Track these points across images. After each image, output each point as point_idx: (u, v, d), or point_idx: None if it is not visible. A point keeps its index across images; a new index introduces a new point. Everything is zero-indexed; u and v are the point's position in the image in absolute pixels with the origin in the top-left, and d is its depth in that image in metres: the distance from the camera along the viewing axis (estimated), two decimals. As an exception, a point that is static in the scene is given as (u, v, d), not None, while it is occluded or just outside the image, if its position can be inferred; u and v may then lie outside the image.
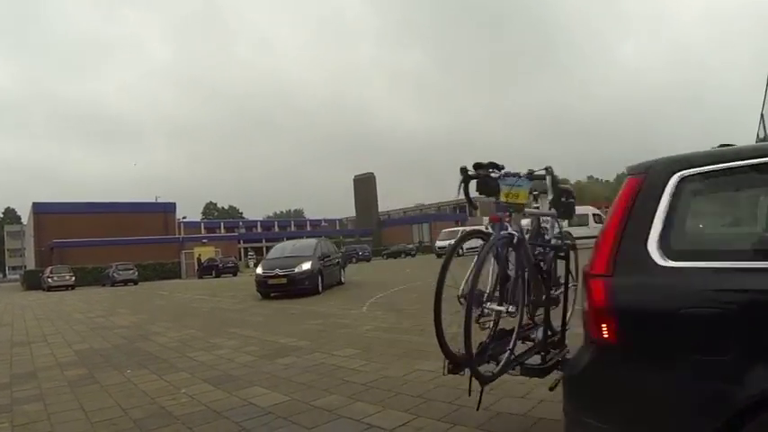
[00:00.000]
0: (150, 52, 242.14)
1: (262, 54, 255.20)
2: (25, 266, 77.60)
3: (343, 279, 21.86)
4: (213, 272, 46.55)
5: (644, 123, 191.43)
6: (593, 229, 38.85)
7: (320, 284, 18.00)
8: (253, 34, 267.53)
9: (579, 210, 31.81)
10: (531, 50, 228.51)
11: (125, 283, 40.84)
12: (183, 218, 67.55)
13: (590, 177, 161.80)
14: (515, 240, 3.60)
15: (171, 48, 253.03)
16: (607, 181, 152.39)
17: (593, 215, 40.11)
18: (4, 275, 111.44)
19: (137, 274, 42.42)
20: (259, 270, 18.53)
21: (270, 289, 17.58)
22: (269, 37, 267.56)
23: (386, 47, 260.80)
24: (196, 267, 49.78)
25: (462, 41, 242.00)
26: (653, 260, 2.47)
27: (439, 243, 49.11)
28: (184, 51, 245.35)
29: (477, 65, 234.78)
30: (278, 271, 17.40)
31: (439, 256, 45.31)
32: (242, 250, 71.83)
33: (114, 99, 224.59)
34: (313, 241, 20.67)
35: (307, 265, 17.50)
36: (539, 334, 3.88)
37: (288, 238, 43.27)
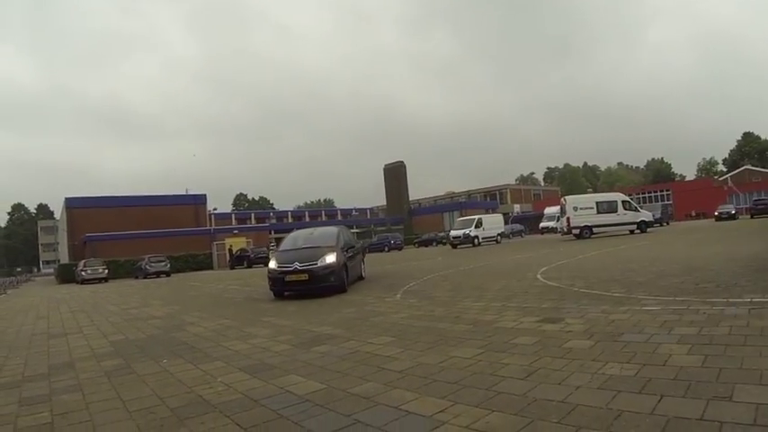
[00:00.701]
0: (173, 46, 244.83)
1: (283, 44, 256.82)
2: (59, 260, 78.82)
3: (364, 274, 18.98)
4: (245, 262, 46.85)
5: (675, 108, 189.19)
6: (622, 215, 38.28)
7: (346, 280, 14.85)
8: (275, 23, 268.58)
9: (607, 197, 31.64)
10: (558, 34, 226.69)
11: (157, 275, 41.30)
12: (214, 209, 67.92)
13: (620, 164, 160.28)
14: None
15: (193, 41, 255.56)
16: (637, 167, 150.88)
17: (623, 202, 39.54)
18: (39, 270, 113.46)
19: (169, 265, 42.80)
20: (273, 264, 14.89)
21: (287, 287, 14.48)
22: (290, 25, 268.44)
23: (408, 32, 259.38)
24: (227, 258, 50.08)
25: (486, 26, 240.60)
26: None
27: (453, 233, 48.29)
28: (207, 43, 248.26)
29: (504, 49, 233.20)
30: (297, 265, 14.03)
31: (454, 246, 46.21)
32: (273, 240, 72.39)
33: (141, 94, 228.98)
34: (334, 229, 17.14)
35: (331, 258, 14.20)
36: None
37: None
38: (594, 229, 38.59)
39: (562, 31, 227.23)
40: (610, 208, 38.93)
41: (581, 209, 39.29)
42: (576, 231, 38.77)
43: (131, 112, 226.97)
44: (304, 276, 13.88)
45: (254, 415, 4.58)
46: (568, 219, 39.35)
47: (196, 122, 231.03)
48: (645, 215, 40.16)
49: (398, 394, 4.83)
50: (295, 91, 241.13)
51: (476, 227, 47.16)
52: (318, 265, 13.96)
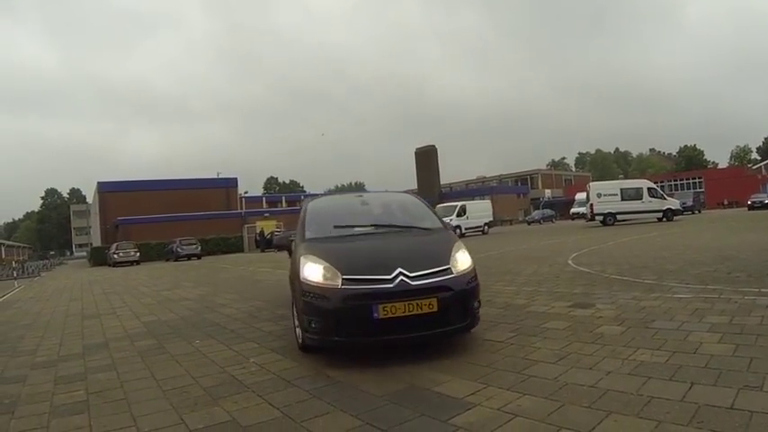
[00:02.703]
0: (195, 26, 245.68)
1: (307, 23, 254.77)
2: (91, 244, 80.00)
3: None
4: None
5: (709, 93, 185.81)
6: (647, 203, 37.51)
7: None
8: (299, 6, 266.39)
9: (632, 183, 31.09)
10: (591, 14, 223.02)
11: (188, 257, 41.83)
12: (245, 193, 68.24)
13: (652, 150, 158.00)
14: None
15: (215, 20, 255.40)
16: (670, 153, 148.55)
17: (648, 189, 38.70)
18: (72, 253, 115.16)
19: (200, 248, 43.24)
20: (316, 274, 5.75)
21: (380, 332, 5.35)
22: (312, 3, 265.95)
23: (436, 10, 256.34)
24: (257, 241, 49.53)
25: (517, 2, 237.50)
26: None
27: None
28: (230, 25, 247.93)
29: (536, 28, 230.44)
30: (403, 278, 5.48)
31: None
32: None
33: (167, 78, 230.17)
34: (410, 198, 8.81)
35: (464, 257, 6.31)
36: None
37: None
38: (619, 217, 38.06)
39: (596, 8, 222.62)
40: (635, 195, 38.13)
41: (605, 195, 38.71)
42: (600, 218, 38.33)
43: (157, 96, 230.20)
44: (429, 304, 5.40)
45: (287, 395, 4.65)
46: (591, 205, 38.92)
47: (225, 106, 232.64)
48: (671, 203, 39.12)
49: (431, 376, 4.86)
50: (322, 73, 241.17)
51: (458, 215, 42.09)
52: (454, 274, 5.84)
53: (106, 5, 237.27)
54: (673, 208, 38.43)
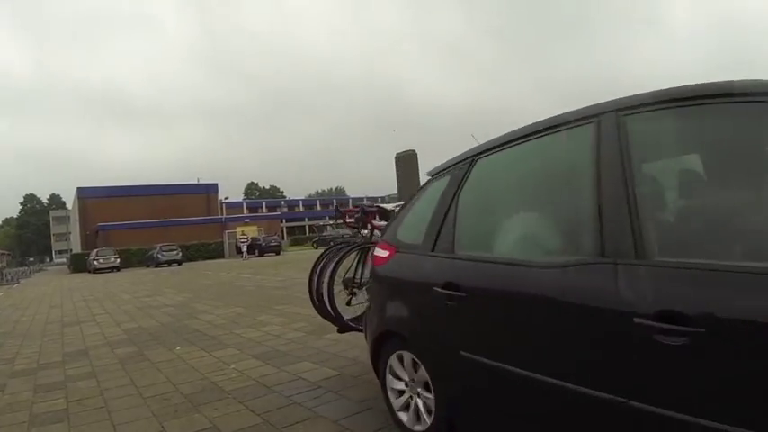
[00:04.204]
0: (169, 28, 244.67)
1: (284, 27, 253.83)
2: (71, 250, 79.28)
3: None
4: (256, 251, 46.91)
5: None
6: None
7: None
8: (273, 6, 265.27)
9: None
10: (573, 13, 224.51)
11: (169, 263, 41.63)
12: (226, 198, 68.02)
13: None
14: None
15: (189, 21, 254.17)
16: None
17: None
18: (51, 259, 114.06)
19: (181, 254, 43.09)
20: None
21: None
22: (289, 7, 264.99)
23: (416, 12, 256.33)
24: (241, 250, 48.64)
25: (495, 5, 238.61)
26: None
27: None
28: (206, 27, 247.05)
29: (518, 31, 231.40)
30: None
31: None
32: (284, 229, 72.69)
33: (147, 82, 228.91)
34: None
35: None
36: None
37: (330, 218, 39.97)
38: None
39: (574, 8, 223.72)
40: None
41: None
42: None
43: (134, 100, 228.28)
44: None
45: (267, 401, 4.65)
46: None
47: (206, 110, 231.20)
48: None
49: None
50: (301, 78, 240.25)
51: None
52: None
53: (76, 6, 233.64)
54: None
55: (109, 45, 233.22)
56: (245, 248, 46.23)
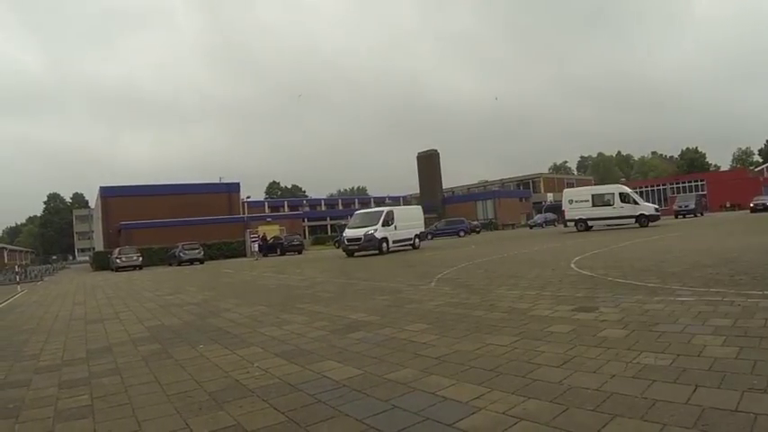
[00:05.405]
0: (184, 26, 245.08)
1: (300, 23, 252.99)
2: (94, 248, 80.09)
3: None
4: (278, 250, 47.06)
5: (711, 95, 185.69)
6: (619, 208, 37.02)
7: None
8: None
9: (604, 189, 30.72)
10: (591, 14, 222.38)
11: (191, 262, 41.96)
12: (248, 197, 68.25)
13: (654, 153, 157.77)
14: None
15: (203, 20, 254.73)
16: (672, 156, 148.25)
17: (620, 194, 37.98)
18: (74, 257, 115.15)
19: (202, 253, 43.49)
20: None
21: None
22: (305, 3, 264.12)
23: (436, 12, 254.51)
24: (257, 248, 47.13)
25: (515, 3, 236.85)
26: None
27: (349, 233, 32.71)
28: (220, 24, 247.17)
29: (538, 31, 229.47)
30: None
31: (350, 254, 31.98)
32: (306, 228, 72.93)
33: (162, 81, 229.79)
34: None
35: None
36: None
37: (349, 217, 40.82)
38: (590, 223, 38.02)
39: (596, 7, 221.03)
40: (606, 201, 38.02)
41: (576, 201, 38.94)
42: (572, 224, 38.69)
43: (154, 100, 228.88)
44: None
45: (291, 400, 4.64)
46: (564, 212, 39.51)
47: (224, 110, 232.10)
48: (645, 208, 37.94)
49: (435, 380, 4.86)
50: (320, 77, 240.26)
51: (384, 225, 32.04)
52: None
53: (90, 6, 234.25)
54: (646, 213, 37.35)
55: (126, 42, 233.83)
56: (256, 247, 46.23)
